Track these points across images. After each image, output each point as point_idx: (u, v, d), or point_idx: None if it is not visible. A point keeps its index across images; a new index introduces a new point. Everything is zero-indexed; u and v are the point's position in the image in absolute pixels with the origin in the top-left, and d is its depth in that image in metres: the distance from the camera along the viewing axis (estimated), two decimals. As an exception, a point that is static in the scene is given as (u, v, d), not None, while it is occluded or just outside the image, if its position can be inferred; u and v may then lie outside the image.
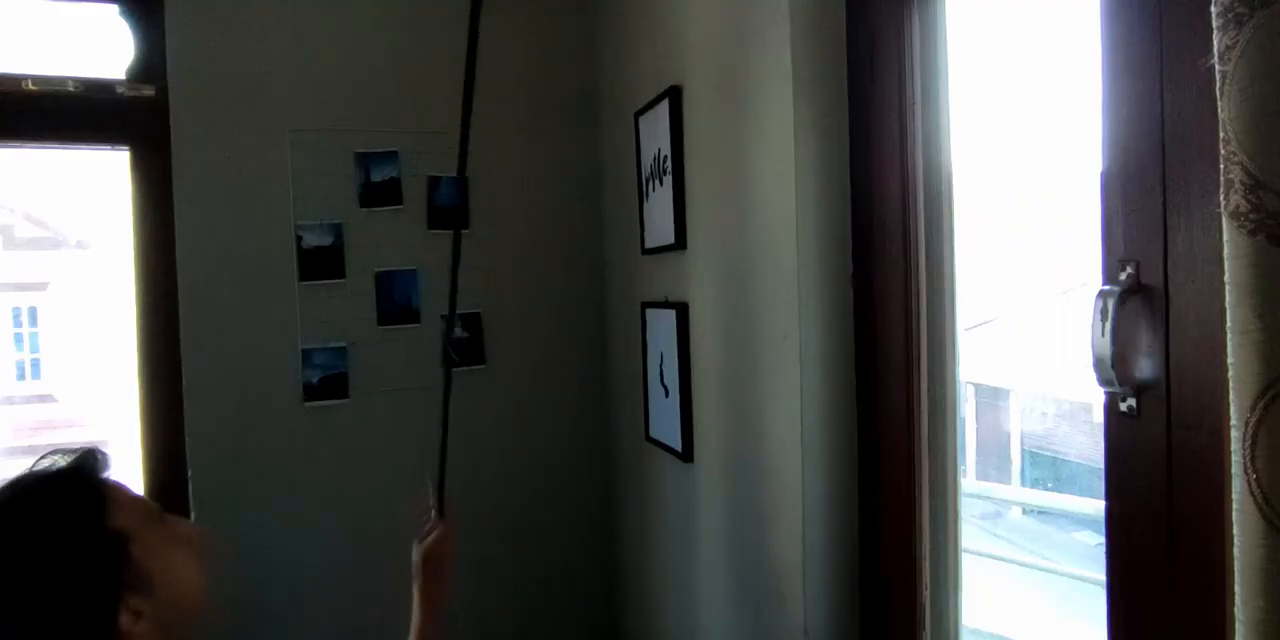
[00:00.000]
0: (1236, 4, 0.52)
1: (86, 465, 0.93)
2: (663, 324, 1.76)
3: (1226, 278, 0.54)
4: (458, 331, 2.13)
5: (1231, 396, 0.54)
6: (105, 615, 0.84)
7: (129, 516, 0.90)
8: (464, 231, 2.11)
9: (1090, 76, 0.85)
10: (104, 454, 0.96)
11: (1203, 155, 0.73)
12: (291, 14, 2.02)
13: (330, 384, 2.03)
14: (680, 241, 1.67)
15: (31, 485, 0.89)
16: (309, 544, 2.02)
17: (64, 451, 0.95)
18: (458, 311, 2.16)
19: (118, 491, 0.93)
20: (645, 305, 1.87)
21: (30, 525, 0.85)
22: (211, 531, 1.01)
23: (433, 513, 1.40)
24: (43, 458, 0.93)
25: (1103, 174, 0.85)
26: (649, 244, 1.84)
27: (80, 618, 0.83)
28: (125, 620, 0.85)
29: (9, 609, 0.81)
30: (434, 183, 2.09)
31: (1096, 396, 0.86)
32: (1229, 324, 0.54)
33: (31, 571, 0.82)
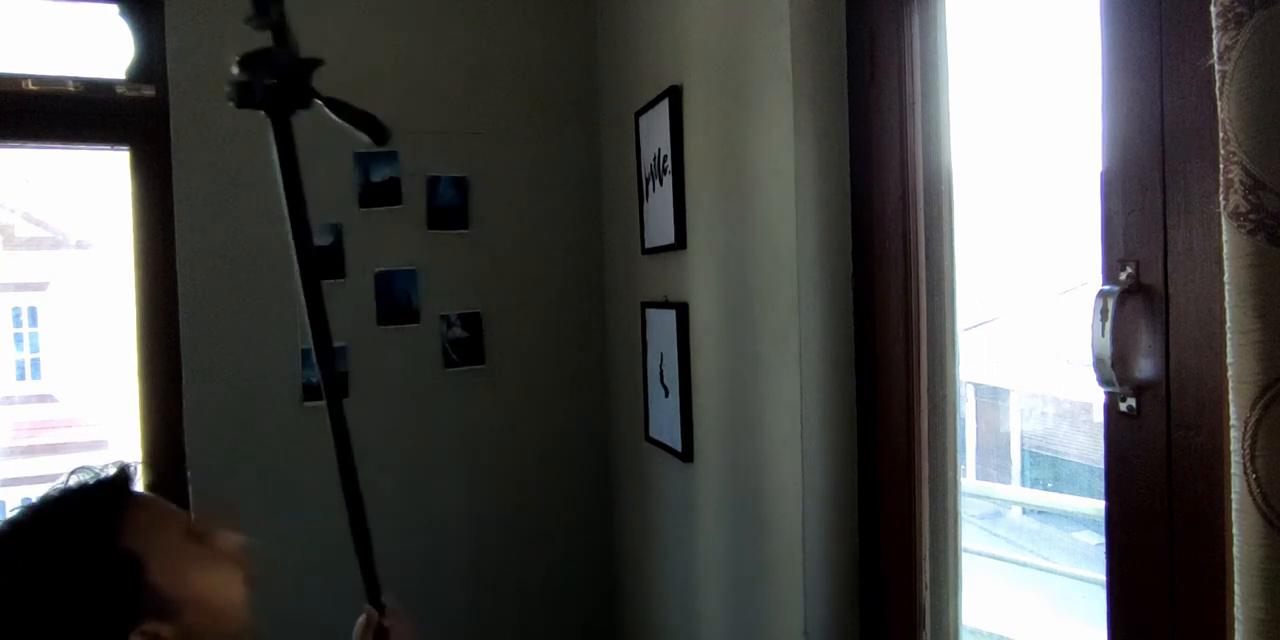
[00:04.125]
0: (1236, 4, 0.52)
1: (107, 484, 0.89)
2: (663, 324, 1.76)
3: (1226, 278, 0.54)
4: (457, 331, 2.13)
5: (1231, 396, 0.54)
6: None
7: (149, 537, 0.86)
8: (464, 231, 2.13)
9: (1090, 76, 0.85)
10: (131, 469, 0.92)
11: (1203, 155, 0.73)
12: (291, 14, 2.01)
13: (330, 384, 2.03)
14: (680, 241, 1.67)
15: (46, 507, 0.86)
16: (309, 544, 2.02)
17: (90, 469, 0.91)
18: (459, 312, 2.17)
19: (141, 510, 0.88)
20: (645, 305, 1.87)
21: (37, 548, 0.82)
22: (253, 544, 0.96)
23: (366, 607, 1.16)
24: (70, 474, 0.90)
25: (1103, 174, 0.85)
26: (649, 244, 1.84)
27: None
28: None
29: (13, 634, 0.79)
30: (433, 183, 2.09)
31: (1096, 396, 0.86)
32: (1229, 324, 0.54)
33: (36, 596, 0.79)
